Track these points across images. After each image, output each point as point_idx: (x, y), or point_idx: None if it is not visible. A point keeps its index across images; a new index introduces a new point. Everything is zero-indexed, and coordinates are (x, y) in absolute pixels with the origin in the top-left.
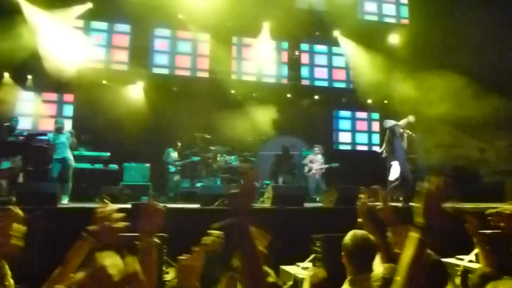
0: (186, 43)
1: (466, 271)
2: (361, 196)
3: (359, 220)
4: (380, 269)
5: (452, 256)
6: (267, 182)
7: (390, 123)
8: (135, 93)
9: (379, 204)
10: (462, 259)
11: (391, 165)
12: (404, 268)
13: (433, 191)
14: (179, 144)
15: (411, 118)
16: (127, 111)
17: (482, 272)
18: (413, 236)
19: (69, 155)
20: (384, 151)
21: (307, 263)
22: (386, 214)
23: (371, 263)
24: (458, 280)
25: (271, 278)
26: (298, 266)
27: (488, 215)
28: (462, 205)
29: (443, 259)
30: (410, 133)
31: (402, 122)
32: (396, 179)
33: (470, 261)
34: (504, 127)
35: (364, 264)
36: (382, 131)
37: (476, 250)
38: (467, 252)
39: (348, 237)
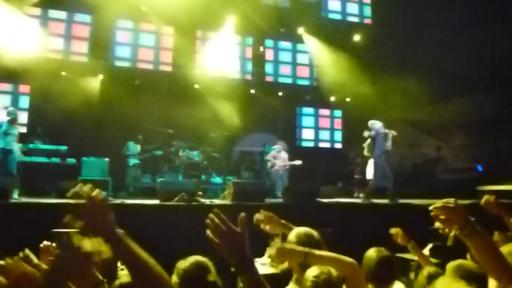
0: (149, 35)
1: (420, 266)
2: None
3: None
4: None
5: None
6: (230, 177)
7: (376, 124)
8: (95, 86)
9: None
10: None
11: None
12: None
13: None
14: (140, 137)
15: (393, 133)
16: (86, 104)
17: (428, 272)
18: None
19: (15, 147)
20: (366, 151)
21: (265, 259)
22: None
23: None
24: (412, 275)
25: (212, 277)
26: (257, 261)
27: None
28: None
29: (401, 255)
30: (394, 133)
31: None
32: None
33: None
34: (460, 127)
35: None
36: (345, 128)
37: (429, 245)
38: (422, 247)
39: (292, 233)
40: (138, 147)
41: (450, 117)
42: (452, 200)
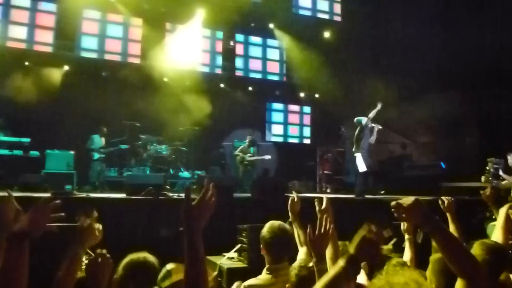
0: (117, 26)
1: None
2: (293, 197)
3: (290, 219)
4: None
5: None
6: (198, 172)
7: (363, 120)
8: (60, 77)
9: None
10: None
11: (354, 157)
12: (322, 284)
13: (371, 239)
14: (105, 129)
15: (379, 106)
16: (50, 95)
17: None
18: (339, 262)
19: None
20: (353, 147)
21: (233, 253)
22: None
23: (287, 253)
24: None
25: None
26: (224, 256)
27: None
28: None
29: None
30: (380, 127)
31: (373, 112)
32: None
33: (388, 248)
34: (425, 124)
35: (281, 254)
36: (314, 124)
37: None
38: (386, 243)
39: (266, 228)
40: (103, 140)
41: (416, 115)
42: (411, 198)
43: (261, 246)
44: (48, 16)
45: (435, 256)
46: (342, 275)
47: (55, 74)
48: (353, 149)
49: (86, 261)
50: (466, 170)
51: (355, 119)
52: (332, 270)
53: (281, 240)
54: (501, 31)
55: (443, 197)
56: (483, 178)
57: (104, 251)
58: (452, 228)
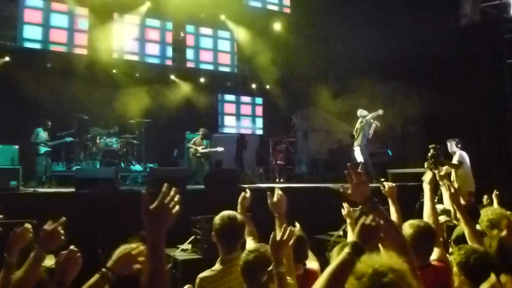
0: (62, 16)
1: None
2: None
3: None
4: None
5: (324, 233)
6: (150, 165)
7: (363, 112)
8: (3, 68)
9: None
10: (332, 235)
11: (353, 150)
12: (325, 277)
13: (371, 226)
14: (49, 122)
15: (380, 112)
16: None
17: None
18: (345, 250)
19: None
20: (355, 138)
21: (187, 245)
22: None
23: (238, 241)
24: (328, 254)
25: None
26: (178, 247)
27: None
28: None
29: (317, 236)
30: (378, 124)
31: (372, 114)
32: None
33: (339, 236)
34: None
35: (233, 244)
36: (266, 115)
37: (344, 226)
38: (337, 228)
39: (217, 218)
40: (46, 134)
41: (363, 104)
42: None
43: (212, 234)
44: None
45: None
46: (348, 261)
47: None
48: (355, 142)
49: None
50: (411, 157)
51: (359, 110)
52: (339, 257)
53: (231, 229)
54: (440, 24)
55: (384, 183)
56: (426, 164)
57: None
58: (392, 211)
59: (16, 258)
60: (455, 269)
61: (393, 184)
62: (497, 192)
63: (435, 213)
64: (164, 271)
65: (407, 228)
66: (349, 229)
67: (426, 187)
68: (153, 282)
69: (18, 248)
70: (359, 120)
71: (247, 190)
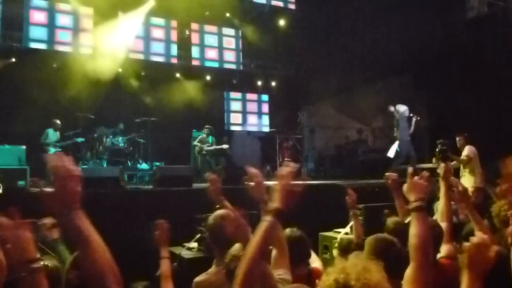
0: (67, 16)
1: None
2: (211, 178)
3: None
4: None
5: (331, 230)
6: (157, 163)
7: (402, 107)
8: (8, 69)
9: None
10: (339, 232)
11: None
12: (251, 247)
13: (285, 176)
14: (58, 122)
15: (414, 118)
16: None
17: (348, 239)
18: (265, 219)
19: None
20: (395, 131)
21: (193, 243)
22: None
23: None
24: (335, 252)
25: None
26: (184, 246)
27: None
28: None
29: (324, 233)
30: (418, 117)
31: (405, 109)
32: (396, 156)
33: (346, 233)
34: (379, 109)
35: (227, 243)
36: (272, 112)
37: (351, 223)
38: (344, 226)
39: (210, 218)
40: (57, 134)
41: (370, 100)
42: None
43: (207, 234)
44: None
45: (369, 237)
46: (272, 227)
47: (3, 66)
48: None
49: None
50: (419, 152)
51: (397, 105)
52: (262, 225)
53: (223, 229)
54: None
55: (387, 174)
56: (433, 159)
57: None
58: (397, 205)
59: None
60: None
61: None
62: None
63: (449, 209)
64: (106, 250)
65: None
66: (352, 219)
67: (441, 183)
68: (100, 266)
69: None
70: (396, 116)
71: (210, 173)
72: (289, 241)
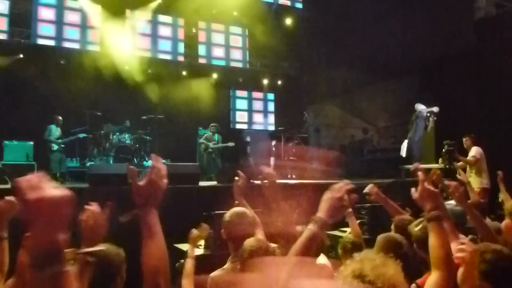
0: (75, 13)
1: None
2: (237, 178)
3: (236, 201)
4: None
5: (336, 229)
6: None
7: (421, 106)
8: (16, 65)
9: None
10: (344, 231)
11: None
12: (292, 254)
13: (338, 191)
14: (60, 118)
15: (435, 109)
16: (6, 85)
17: (348, 239)
18: (310, 227)
19: None
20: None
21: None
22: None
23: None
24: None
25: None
26: None
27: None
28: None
29: (329, 232)
30: (435, 117)
31: (428, 109)
32: (411, 156)
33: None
34: (384, 109)
35: (243, 240)
36: (277, 111)
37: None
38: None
39: (226, 215)
40: (59, 130)
41: (376, 100)
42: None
43: (222, 231)
44: (1, 2)
45: (380, 235)
46: (316, 236)
47: (10, 62)
48: (408, 135)
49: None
50: (425, 152)
51: (416, 104)
52: (305, 234)
53: (239, 226)
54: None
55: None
56: (440, 160)
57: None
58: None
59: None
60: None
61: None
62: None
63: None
64: (164, 249)
65: (414, 227)
66: (349, 220)
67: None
68: (156, 260)
69: (7, 221)
70: (415, 114)
71: (239, 177)
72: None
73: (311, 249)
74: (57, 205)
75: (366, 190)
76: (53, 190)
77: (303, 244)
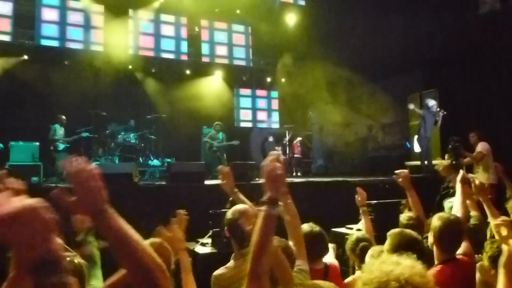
0: (78, 14)
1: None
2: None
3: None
4: None
5: (343, 226)
6: (168, 160)
7: (431, 102)
8: (20, 66)
9: None
10: (351, 228)
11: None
12: (255, 241)
13: (272, 167)
14: (64, 118)
15: (441, 113)
16: (11, 86)
17: (356, 236)
18: (261, 209)
19: None
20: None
21: (207, 239)
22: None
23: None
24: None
25: None
26: (198, 242)
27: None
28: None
29: (336, 229)
30: (445, 112)
31: (432, 105)
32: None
33: (358, 229)
34: (389, 106)
35: (247, 238)
36: (281, 109)
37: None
38: (355, 222)
39: (228, 212)
40: (63, 129)
41: (380, 97)
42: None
43: (225, 229)
44: (5, 4)
45: (393, 231)
46: (269, 216)
47: (15, 64)
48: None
49: None
50: (431, 149)
51: (427, 100)
52: (260, 216)
53: (242, 224)
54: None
55: (397, 171)
56: (446, 156)
57: None
58: (411, 201)
59: None
60: (486, 263)
61: (406, 170)
62: None
63: (465, 209)
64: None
65: (436, 220)
66: (362, 217)
67: (458, 185)
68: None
69: None
70: (423, 110)
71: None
72: (309, 237)
73: (271, 229)
74: (26, 218)
75: (398, 171)
76: (16, 203)
77: (261, 227)
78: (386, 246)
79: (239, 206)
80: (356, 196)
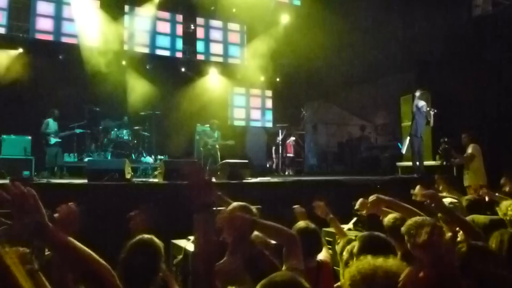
0: (73, 8)
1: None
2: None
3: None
4: None
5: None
6: (161, 157)
7: (421, 102)
8: (14, 59)
9: None
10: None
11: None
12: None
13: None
14: (57, 112)
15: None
16: (4, 79)
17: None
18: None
19: None
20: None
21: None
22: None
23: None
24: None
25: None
26: (189, 239)
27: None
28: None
29: (327, 229)
30: (435, 110)
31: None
32: (412, 153)
33: (349, 229)
34: (382, 107)
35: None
36: (275, 108)
37: (354, 219)
38: (346, 222)
39: (229, 208)
40: (56, 124)
41: (373, 97)
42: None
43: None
44: None
45: (364, 234)
46: (201, 221)
47: (9, 57)
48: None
49: None
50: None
51: (416, 100)
52: (194, 224)
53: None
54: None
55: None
56: (437, 157)
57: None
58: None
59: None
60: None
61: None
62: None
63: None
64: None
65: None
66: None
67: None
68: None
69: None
70: (415, 109)
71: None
72: (304, 233)
73: (208, 233)
74: None
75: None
76: None
77: (198, 233)
78: (356, 248)
79: (237, 203)
80: (315, 210)
